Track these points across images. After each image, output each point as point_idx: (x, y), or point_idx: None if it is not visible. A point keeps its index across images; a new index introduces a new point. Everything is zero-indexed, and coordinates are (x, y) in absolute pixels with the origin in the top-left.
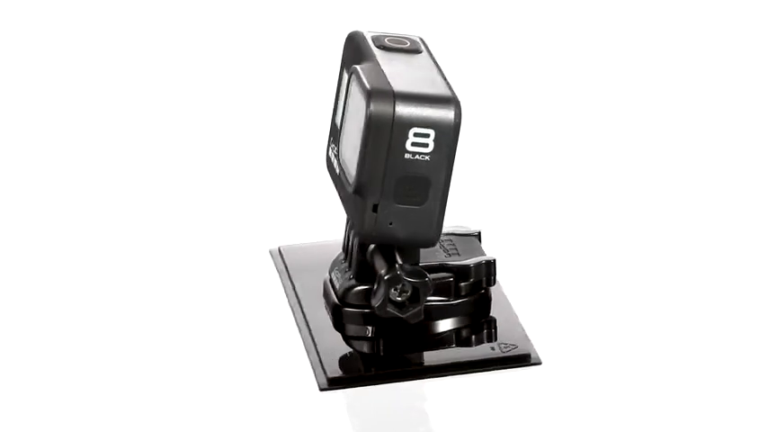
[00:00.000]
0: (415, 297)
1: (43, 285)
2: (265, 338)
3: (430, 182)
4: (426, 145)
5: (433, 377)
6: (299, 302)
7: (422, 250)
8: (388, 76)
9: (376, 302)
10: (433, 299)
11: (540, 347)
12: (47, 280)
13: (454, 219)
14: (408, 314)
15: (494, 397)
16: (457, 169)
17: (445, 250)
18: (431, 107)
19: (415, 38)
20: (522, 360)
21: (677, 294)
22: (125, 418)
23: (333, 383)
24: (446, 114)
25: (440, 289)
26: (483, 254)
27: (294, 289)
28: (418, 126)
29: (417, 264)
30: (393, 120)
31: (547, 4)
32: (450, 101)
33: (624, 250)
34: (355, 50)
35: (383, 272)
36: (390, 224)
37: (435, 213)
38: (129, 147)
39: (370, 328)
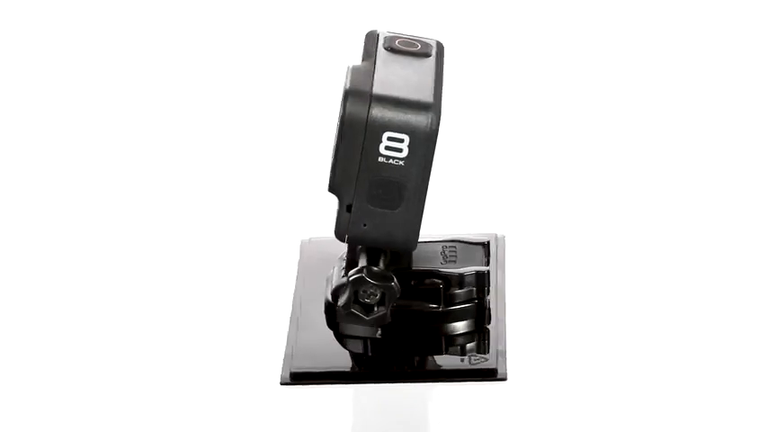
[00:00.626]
0: (382, 301)
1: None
2: (255, 329)
3: (404, 186)
4: (400, 150)
5: (392, 383)
6: (306, 295)
7: (419, 255)
8: (374, 78)
9: (341, 303)
10: (423, 305)
11: (514, 364)
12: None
13: (476, 224)
14: (372, 318)
15: (447, 409)
16: (476, 173)
17: (444, 257)
18: (407, 112)
19: (431, 42)
20: (487, 375)
21: (681, 320)
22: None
23: (294, 378)
24: (421, 121)
25: (429, 295)
26: (483, 264)
27: (306, 281)
28: (392, 130)
29: (408, 268)
30: (367, 122)
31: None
32: (428, 108)
33: (640, 266)
34: (365, 49)
35: (351, 272)
36: (364, 225)
37: (410, 218)
38: (159, 145)
39: (373, 328)
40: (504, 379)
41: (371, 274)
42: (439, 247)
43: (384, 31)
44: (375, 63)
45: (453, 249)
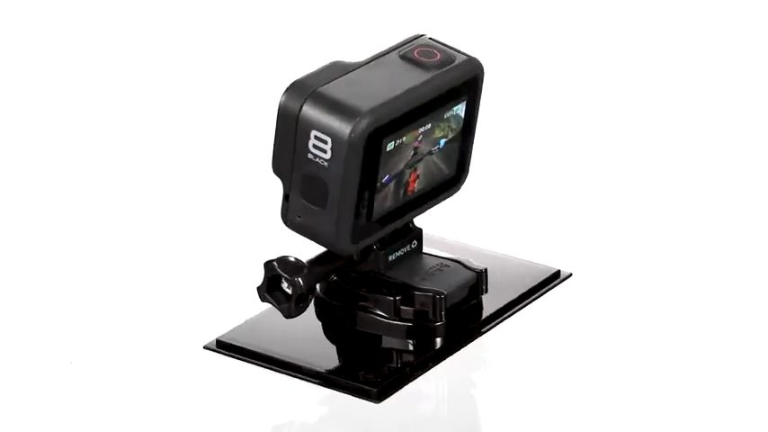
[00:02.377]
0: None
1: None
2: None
3: (328, 187)
4: (325, 151)
5: (287, 374)
6: None
7: (407, 263)
8: (340, 77)
9: (258, 285)
10: (375, 312)
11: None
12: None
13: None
14: (279, 307)
15: (312, 413)
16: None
17: (425, 271)
18: (334, 116)
19: (459, 56)
20: (359, 393)
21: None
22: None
23: (218, 346)
24: (343, 127)
25: (382, 305)
26: (451, 287)
27: None
28: (317, 130)
29: (380, 274)
30: (297, 117)
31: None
32: (356, 115)
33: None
34: (385, 50)
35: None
36: (299, 217)
37: (334, 220)
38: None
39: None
40: (376, 401)
41: (282, 264)
42: (434, 262)
43: (426, 37)
44: (365, 64)
45: (442, 267)
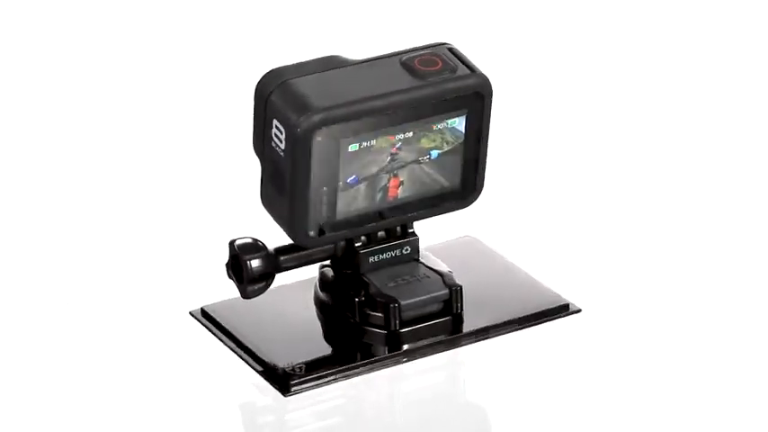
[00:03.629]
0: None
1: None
2: None
3: (284, 177)
4: (281, 141)
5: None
6: None
7: (390, 268)
8: (319, 71)
9: (226, 262)
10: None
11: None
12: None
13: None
14: (238, 287)
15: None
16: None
17: (402, 278)
18: (290, 108)
19: (461, 71)
20: (274, 380)
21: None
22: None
23: (202, 314)
24: (293, 120)
25: (349, 305)
26: (413, 299)
27: None
28: (277, 120)
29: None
30: (265, 103)
31: None
32: (309, 110)
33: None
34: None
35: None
36: (269, 200)
37: (287, 210)
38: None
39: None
40: (286, 392)
41: (240, 245)
42: (418, 271)
43: (445, 46)
44: (360, 63)
45: (420, 277)
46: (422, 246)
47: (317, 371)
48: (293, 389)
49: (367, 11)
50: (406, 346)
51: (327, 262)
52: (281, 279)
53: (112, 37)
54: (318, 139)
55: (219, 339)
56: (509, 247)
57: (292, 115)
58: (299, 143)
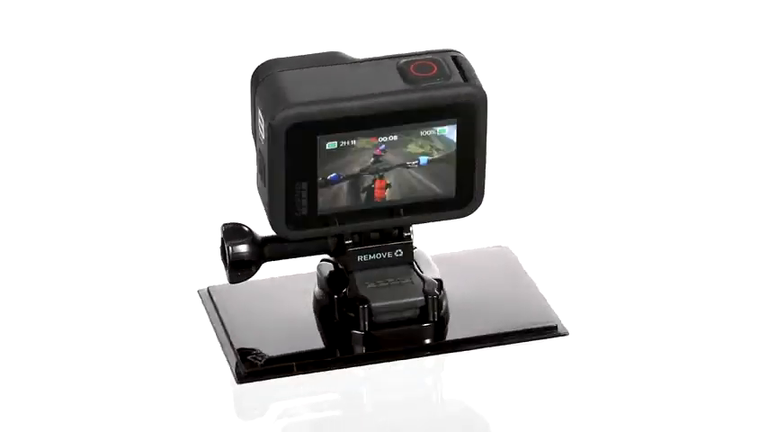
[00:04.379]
0: None
1: None
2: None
3: (264, 165)
4: (263, 131)
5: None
6: None
7: (377, 269)
8: (309, 66)
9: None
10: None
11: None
12: None
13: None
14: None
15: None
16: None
17: (384, 280)
18: (271, 102)
19: (455, 80)
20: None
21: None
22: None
23: (208, 294)
24: (270, 114)
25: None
26: (385, 302)
27: None
28: (261, 111)
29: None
30: (254, 94)
31: None
32: (285, 106)
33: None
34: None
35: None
36: (258, 186)
37: (266, 199)
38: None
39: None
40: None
41: (226, 229)
42: (404, 275)
43: (450, 53)
44: (356, 62)
45: (404, 281)
46: (450, 251)
47: (276, 363)
48: (246, 379)
49: (393, 12)
50: (363, 350)
51: (327, 257)
52: (300, 268)
53: (109, 28)
54: (294, 133)
55: (212, 321)
56: (545, 261)
57: (270, 108)
58: (274, 136)
